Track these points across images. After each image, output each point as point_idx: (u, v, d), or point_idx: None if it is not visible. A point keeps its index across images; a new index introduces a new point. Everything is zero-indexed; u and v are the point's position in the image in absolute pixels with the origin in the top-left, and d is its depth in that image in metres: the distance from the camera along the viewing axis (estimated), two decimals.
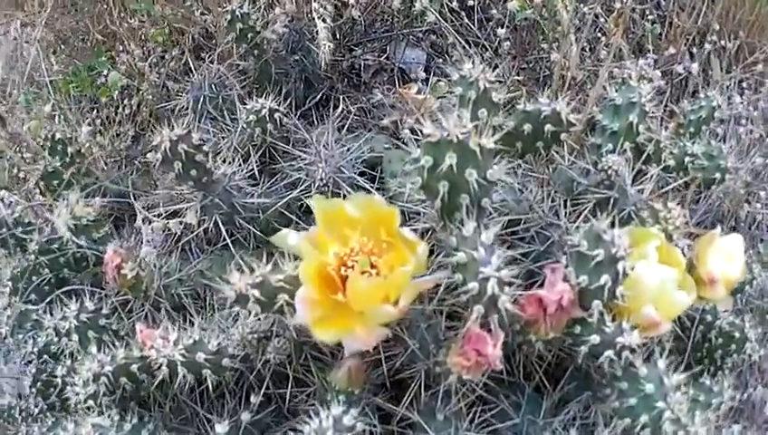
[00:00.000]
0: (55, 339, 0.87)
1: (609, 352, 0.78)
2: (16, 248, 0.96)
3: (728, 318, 0.97)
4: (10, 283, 0.94)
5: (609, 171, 0.93)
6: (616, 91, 0.98)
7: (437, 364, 0.84)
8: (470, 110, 0.89)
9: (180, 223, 0.94)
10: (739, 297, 1.16)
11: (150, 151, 0.93)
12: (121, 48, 1.18)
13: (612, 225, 0.79)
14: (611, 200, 0.93)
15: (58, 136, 1.04)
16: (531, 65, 1.31)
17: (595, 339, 0.79)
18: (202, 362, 0.81)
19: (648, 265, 0.83)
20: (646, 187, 0.95)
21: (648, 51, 1.33)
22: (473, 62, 0.89)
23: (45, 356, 0.92)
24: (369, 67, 1.40)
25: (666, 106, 1.20)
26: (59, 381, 0.88)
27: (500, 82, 0.93)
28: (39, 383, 0.91)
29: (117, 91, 1.14)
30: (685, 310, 0.87)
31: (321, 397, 0.87)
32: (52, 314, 0.90)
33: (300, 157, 1.05)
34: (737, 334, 0.96)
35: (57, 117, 1.11)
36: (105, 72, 1.13)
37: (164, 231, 1.00)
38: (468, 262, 0.74)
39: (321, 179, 1.00)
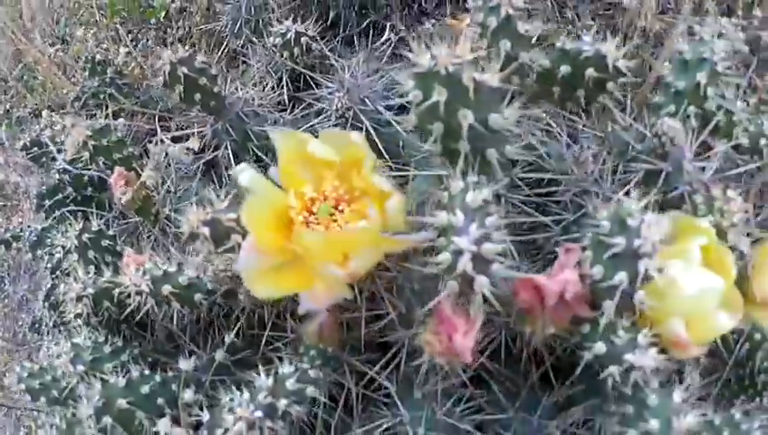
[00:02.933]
0: (63, 256, 0.90)
1: (614, 369, 0.61)
2: (49, 168, 0.99)
3: None
4: (36, 199, 0.98)
5: (663, 137, 0.74)
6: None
7: (416, 337, 0.74)
8: (489, 40, 0.73)
9: (186, 148, 0.90)
10: None
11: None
12: None
13: (647, 208, 0.61)
14: (662, 174, 0.74)
15: (98, 58, 1.04)
16: (609, 11, 1.07)
17: (600, 348, 0.62)
18: (168, 294, 0.77)
19: (687, 268, 0.65)
20: (708, 165, 0.74)
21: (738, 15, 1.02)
22: None
23: (58, 272, 0.95)
24: None
25: (750, 80, 0.92)
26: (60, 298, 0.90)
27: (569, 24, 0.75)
28: (50, 299, 0.95)
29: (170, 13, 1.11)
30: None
31: (295, 348, 0.81)
32: (66, 232, 0.93)
33: (326, 85, 0.96)
34: None
35: (103, 39, 1.12)
36: None
37: (187, 153, 0.97)
38: (447, 228, 0.61)
39: (338, 110, 0.90)
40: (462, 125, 0.63)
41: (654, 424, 0.59)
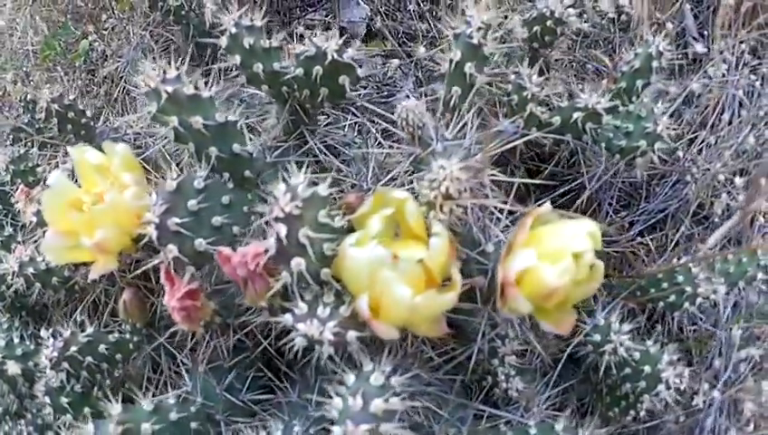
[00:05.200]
0: None
1: (299, 341, 0.71)
2: None
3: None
4: None
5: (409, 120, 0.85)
6: None
7: None
8: None
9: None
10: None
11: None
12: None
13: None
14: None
15: (29, 97, 1.34)
16: None
17: (287, 320, 0.72)
18: (29, 275, 1.02)
19: (360, 240, 0.73)
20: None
21: None
22: None
23: None
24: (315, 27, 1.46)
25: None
26: None
27: None
28: None
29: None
30: (427, 315, 0.73)
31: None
32: None
33: None
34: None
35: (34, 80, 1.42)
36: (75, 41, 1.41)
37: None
38: None
39: None
40: None
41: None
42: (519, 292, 0.73)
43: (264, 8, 0.95)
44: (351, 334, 0.75)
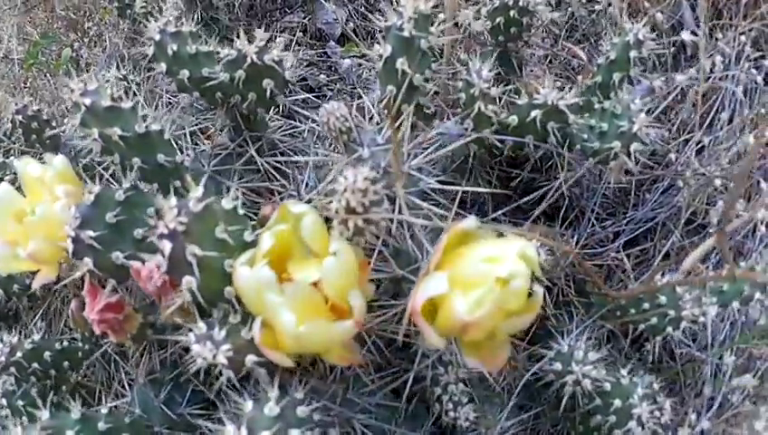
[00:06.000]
0: None
1: (201, 362, 0.68)
2: None
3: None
4: None
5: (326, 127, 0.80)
6: None
7: None
8: None
9: None
10: None
11: None
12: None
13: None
14: None
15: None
16: None
17: (189, 339, 0.69)
18: None
19: (247, 260, 0.67)
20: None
21: None
22: None
23: None
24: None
25: None
26: None
27: None
28: None
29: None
30: (322, 344, 0.67)
31: None
32: None
33: None
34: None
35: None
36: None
37: None
38: None
39: None
40: None
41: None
42: (425, 323, 0.65)
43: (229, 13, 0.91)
44: (250, 358, 0.70)
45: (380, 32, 0.81)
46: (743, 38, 1.00)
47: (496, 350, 0.69)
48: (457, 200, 0.80)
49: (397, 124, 0.79)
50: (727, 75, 0.98)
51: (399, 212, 0.70)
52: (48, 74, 1.44)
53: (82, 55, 1.40)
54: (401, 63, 0.80)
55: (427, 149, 0.79)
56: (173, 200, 0.68)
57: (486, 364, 0.69)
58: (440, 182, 0.85)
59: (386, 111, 0.87)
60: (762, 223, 0.90)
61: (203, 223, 0.69)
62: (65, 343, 0.98)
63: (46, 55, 1.49)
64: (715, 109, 0.99)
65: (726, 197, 0.85)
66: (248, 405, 0.69)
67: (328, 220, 0.70)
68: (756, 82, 0.99)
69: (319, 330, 0.63)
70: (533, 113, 0.88)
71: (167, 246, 0.67)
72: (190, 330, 0.71)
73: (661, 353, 1.00)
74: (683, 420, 0.97)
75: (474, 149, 0.92)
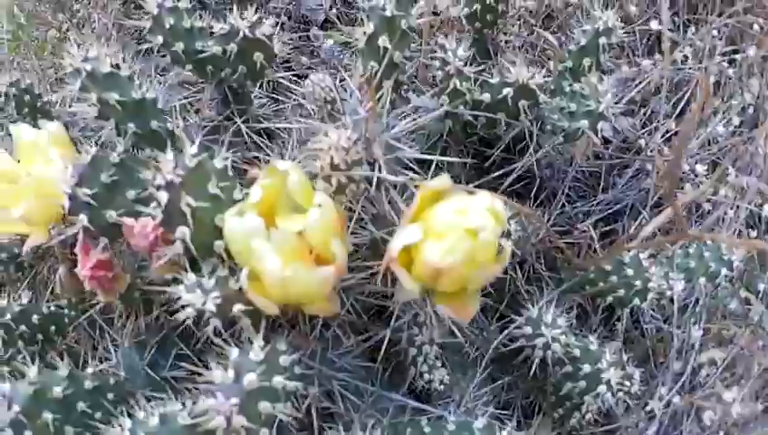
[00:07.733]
0: None
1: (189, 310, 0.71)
2: None
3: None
4: None
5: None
6: None
7: None
8: None
9: None
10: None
11: None
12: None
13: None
14: None
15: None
16: None
17: (179, 290, 0.72)
18: None
19: (237, 211, 0.70)
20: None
21: None
22: None
23: None
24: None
25: None
26: None
27: None
28: None
29: None
30: (304, 290, 0.70)
31: None
32: None
33: None
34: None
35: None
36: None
37: None
38: None
39: None
40: None
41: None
42: (401, 269, 0.70)
43: None
44: (237, 307, 0.73)
45: (363, 11, 0.86)
46: (715, 33, 1.07)
47: (467, 300, 0.74)
48: (432, 170, 0.86)
49: (377, 96, 0.84)
50: (699, 68, 1.04)
51: (379, 172, 0.74)
52: (35, 55, 1.47)
53: (70, 38, 1.43)
54: (383, 41, 0.86)
55: (404, 119, 0.84)
56: (170, 154, 0.72)
57: (458, 313, 0.73)
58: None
59: (366, 86, 0.92)
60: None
61: (197, 178, 0.73)
62: (52, 308, 1.00)
63: (32, 37, 1.52)
64: (685, 100, 1.05)
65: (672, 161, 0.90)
66: (234, 352, 0.72)
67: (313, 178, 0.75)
68: (729, 77, 1.05)
69: (303, 274, 0.67)
70: (505, 90, 0.93)
71: (163, 196, 0.71)
72: (180, 282, 0.75)
73: (631, 332, 1.05)
74: (653, 395, 1.02)
75: (449, 125, 0.98)
